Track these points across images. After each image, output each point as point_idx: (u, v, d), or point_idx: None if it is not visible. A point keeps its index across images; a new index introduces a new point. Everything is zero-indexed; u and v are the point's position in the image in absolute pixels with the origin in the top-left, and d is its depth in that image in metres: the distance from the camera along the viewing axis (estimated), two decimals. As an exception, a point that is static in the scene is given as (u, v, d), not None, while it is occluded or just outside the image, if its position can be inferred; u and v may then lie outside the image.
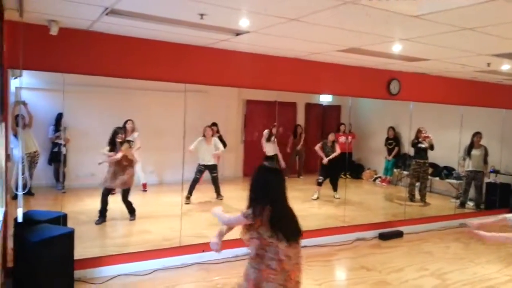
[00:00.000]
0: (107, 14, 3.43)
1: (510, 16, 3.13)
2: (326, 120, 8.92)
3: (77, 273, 4.07)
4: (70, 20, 3.82)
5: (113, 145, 5.45)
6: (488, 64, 5.39)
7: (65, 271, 3.79)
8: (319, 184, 7.45)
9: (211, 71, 5.00)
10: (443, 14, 3.16)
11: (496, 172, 8.08)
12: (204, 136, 6.59)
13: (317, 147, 7.57)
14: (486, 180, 7.97)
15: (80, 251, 4.15)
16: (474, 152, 7.64)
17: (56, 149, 5.93)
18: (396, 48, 4.53)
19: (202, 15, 3.38)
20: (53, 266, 3.61)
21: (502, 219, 3.00)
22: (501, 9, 2.93)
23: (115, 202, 5.50)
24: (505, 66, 5.51)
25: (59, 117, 5.82)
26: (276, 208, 2.48)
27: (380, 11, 3.12)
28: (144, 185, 6.55)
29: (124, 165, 5.46)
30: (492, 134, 7.95)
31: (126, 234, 5.50)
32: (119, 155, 5.38)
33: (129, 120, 6.05)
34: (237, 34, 4.10)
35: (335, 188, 7.46)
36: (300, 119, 8.46)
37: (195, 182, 6.45)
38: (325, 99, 7.72)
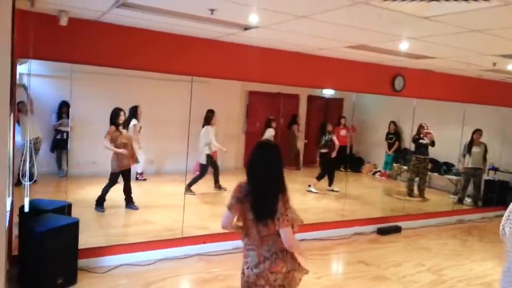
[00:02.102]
0: (117, 6, 3.41)
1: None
2: (328, 112, 8.94)
3: (81, 262, 4.12)
4: (80, 11, 3.80)
5: (116, 125, 5.46)
6: (494, 64, 5.40)
7: (70, 260, 3.85)
8: (318, 179, 7.50)
9: (217, 64, 4.99)
10: (452, 17, 3.16)
11: (495, 169, 8.15)
12: (210, 124, 6.57)
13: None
14: (485, 177, 8.05)
15: (84, 240, 4.19)
16: (474, 149, 7.69)
17: (59, 136, 5.96)
18: (404, 46, 4.53)
19: (212, 10, 3.37)
20: (58, 255, 3.67)
21: None
22: (508, 12, 2.94)
23: (118, 191, 5.54)
24: (510, 66, 5.51)
25: (62, 104, 5.83)
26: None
27: (391, 12, 3.11)
28: (141, 174, 6.56)
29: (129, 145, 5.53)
30: (493, 131, 8.00)
31: (129, 224, 5.55)
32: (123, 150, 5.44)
33: (137, 106, 6.09)
34: (246, 29, 4.08)
35: (330, 181, 7.51)
36: (302, 111, 8.48)
37: (201, 177, 6.47)
38: (328, 92, 7.72)
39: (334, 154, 7.44)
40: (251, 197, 2.42)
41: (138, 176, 6.51)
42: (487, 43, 4.08)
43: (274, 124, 7.31)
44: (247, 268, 2.51)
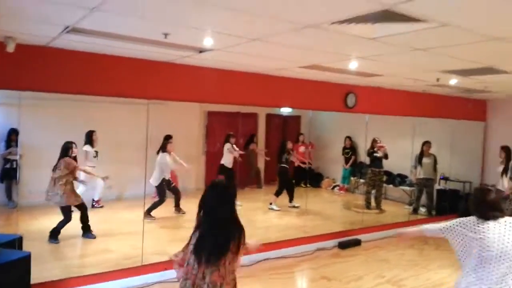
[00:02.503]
0: (68, 32, 3.35)
1: (455, 39, 3.37)
2: (286, 130, 9.10)
3: (35, 298, 3.90)
4: (28, 37, 3.69)
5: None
6: (438, 79, 5.73)
7: (22, 297, 3.63)
8: (277, 195, 7.58)
9: (174, 86, 4.98)
10: (396, 37, 3.35)
11: (445, 179, 8.54)
12: (166, 151, 6.52)
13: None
14: (437, 187, 8.40)
15: (37, 274, 3.98)
16: (425, 160, 8.03)
17: (8, 166, 5.69)
18: (353, 65, 4.73)
19: (166, 34, 3.38)
20: (9, 292, 3.45)
21: (419, 231, 3.22)
22: (446, 33, 3.16)
23: (74, 219, 5.32)
24: (452, 81, 5.86)
25: (11, 132, 5.59)
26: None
27: (339, 34, 3.26)
28: (98, 201, 6.37)
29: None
30: (442, 143, 8.41)
31: (86, 254, 5.32)
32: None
33: (93, 131, 5.91)
34: (201, 51, 4.12)
35: (291, 198, 7.60)
36: (261, 129, 8.58)
37: (161, 203, 6.36)
38: (286, 109, 7.87)
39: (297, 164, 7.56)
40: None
41: (94, 203, 6.30)
42: (430, 60, 4.34)
43: (232, 140, 7.34)
44: None
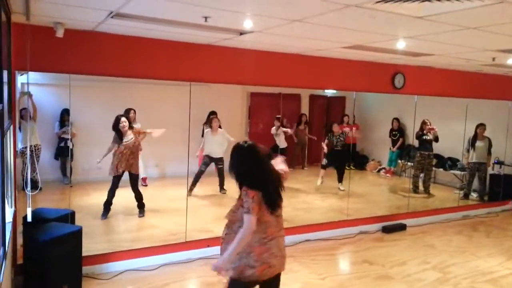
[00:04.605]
0: (112, 17, 3.45)
1: (510, 16, 3.11)
2: (330, 111, 8.93)
3: (85, 269, 4.18)
4: (75, 22, 3.84)
5: (118, 132, 5.48)
6: (493, 59, 5.36)
7: (74, 268, 3.89)
8: (323, 167, 7.50)
9: (215, 68, 5.02)
10: (446, 16, 3.15)
11: (500, 163, 8.09)
12: (210, 127, 6.60)
13: (324, 145, 7.60)
14: (490, 171, 7.99)
15: (88, 247, 4.25)
16: (478, 143, 7.64)
17: (62, 144, 6.01)
18: (401, 45, 4.51)
19: (206, 17, 3.39)
20: (62, 263, 3.71)
21: None
22: (503, 10, 2.92)
23: (122, 197, 5.59)
24: (510, 60, 5.47)
25: (64, 112, 5.88)
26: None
27: (384, 13, 3.11)
28: (144, 179, 6.58)
29: (130, 152, 5.54)
30: (497, 125, 7.94)
31: (133, 229, 5.58)
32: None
33: (131, 109, 6.07)
34: (241, 34, 4.10)
35: (340, 179, 7.51)
36: (305, 111, 8.47)
37: (200, 174, 6.50)
38: (330, 90, 7.71)
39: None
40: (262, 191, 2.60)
41: (141, 182, 6.54)
42: (484, 39, 4.05)
43: (277, 123, 7.33)
44: (276, 257, 2.68)
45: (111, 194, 5.45)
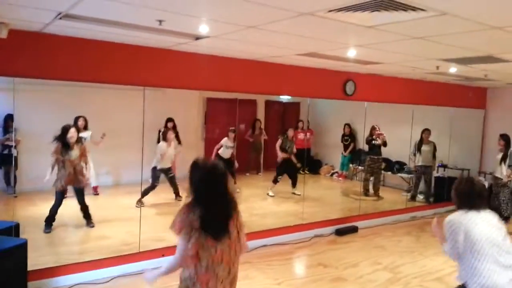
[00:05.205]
0: (60, 18, 3.31)
1: (454, 28, 3.32)
2: (285, 116, 9.07)
3: (32, 285, 3.95)
4: (21, 23, 3.65)
5: (64, 144, 5.15)
6: (437, 67, 5.68)
7: (19, 283, 3.66)
8: (275, 182, 7.60)
9: (170, 73, 4.94)
10: (394, 25, 3.30)
11: (444, 166, 8.54)
12: (165, 140, 6.46)
13: (277, 146, 7.70)
14: (435, 174, 8.41)
15: (35, 260, 4.02)
16: (424, 147, 8.03)
17: (6, 151, 5.68)
18: (352, 53, 4.68)
19: (160, 21, 3.34)
20: (6, 278, 3.48)
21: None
22: (445, 22, 3.11)
23: (71, 207, 5.34)
24: (452, 69, 5.81)
25: (8, 118, 5.56)
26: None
27: (336, 22, 3.21)
28: (95, 188, 6.34)
29: (76, 166, 5.25)
30: (441, 130, 8.39)
31: (84, 241, 5.35)
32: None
33: (80, 116, 5.82)
34: (197, 38, 4.07)
35: (294, 184, 7.62)
36: (260, 116, 8.55)
37: (153, 189, 6.31)
38: (285, 96, 7.84)
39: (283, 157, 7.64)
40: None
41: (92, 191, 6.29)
42: (429, 49, 4.29)
43: (231, 135, 7.31)
44: None
45: (54, 210, 5.14)
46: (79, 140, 5.33)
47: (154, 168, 6.39)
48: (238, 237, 2.36)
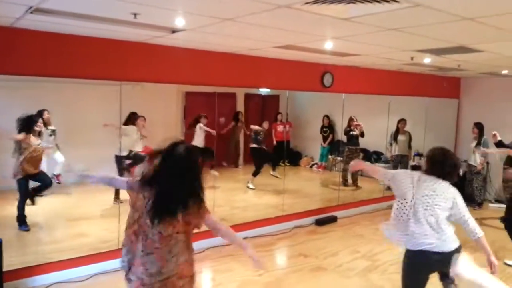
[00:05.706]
0: (31, 12, 3.22)
1: (427, 19, 3.38)
2: (265, 109, 9.07)
3: (8, 285, 3.87)
4: (-12, 17, 3.54)
5: (29, 133, 5.02)
6: (412, 58, 5.78)
7: (-5, 284, 3.59)
8: (255, 175, 7.62)
9: (147, 67, 4.87)
10: (369, 17, 3.34)
11: (420, 155, 8.73)
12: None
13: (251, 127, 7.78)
14: (411, 163, 8.59)
15: (11, 260, 3.93)
16: (400, 137, 8.19)
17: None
18: (328, 45, 4.71)
19: (135, 14, 3.29)
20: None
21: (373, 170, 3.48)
22: (418, 14, 3.17)
23: (47, 203, 5.24)
24: (426, 59, 5.92)
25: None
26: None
27: (312, 14, 3.23)
28: (58, 177, 6.17)
29: (38, 155, 5.15)
30: (416, 120, 8.56)
31: (61, 239, 5.23)
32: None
33: (45, 110, 5.64)
34: (173, 32, 4.03)
35: (273, 167, 7.68)
36: (240, 109, 8.53)
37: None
38: (264, 89, 7.85)
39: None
40: None
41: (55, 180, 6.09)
42: (403, 40, 4.35)
43: (204, 121, 7.26)
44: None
45: (21, 206, 4.97)
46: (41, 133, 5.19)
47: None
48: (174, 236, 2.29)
